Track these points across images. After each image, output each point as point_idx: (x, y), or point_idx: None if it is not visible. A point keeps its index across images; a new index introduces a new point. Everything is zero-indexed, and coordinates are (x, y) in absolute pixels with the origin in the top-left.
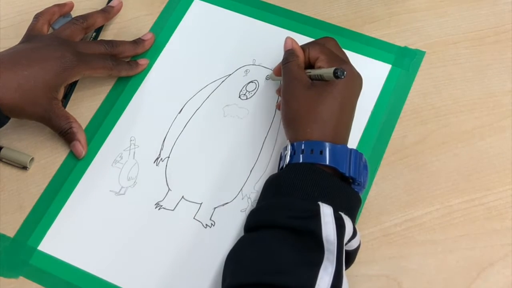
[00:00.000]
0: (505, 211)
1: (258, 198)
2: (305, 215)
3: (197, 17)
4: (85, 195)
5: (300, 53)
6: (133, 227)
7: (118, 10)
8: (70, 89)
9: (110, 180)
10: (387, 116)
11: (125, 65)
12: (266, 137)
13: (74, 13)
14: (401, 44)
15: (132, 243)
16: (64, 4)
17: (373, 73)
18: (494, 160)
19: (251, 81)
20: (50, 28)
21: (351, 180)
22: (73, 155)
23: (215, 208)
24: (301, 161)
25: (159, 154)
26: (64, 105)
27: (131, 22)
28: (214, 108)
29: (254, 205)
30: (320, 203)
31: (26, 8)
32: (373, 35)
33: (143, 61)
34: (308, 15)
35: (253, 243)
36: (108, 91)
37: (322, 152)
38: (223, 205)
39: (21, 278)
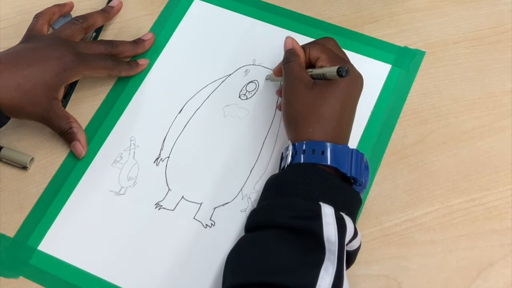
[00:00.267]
0: (505, 211)
1: (258, 198)
2: (306, 215)
3: (197, 17)
4: (85, 195)
5: (300, 52)
6: (133, 227)
7: (118, 10)
8: (70, 89)
9: (110, 180)
10: (387, 116)
11: (125, 65)
12: (266, 137)
13: (74, 13)
14: (401, 44)
15: (132, 243)
16: (64, 4)
17: (373, 73)
18: (494, 160)
19: (251, 81)
20: (50, 28)
21: (352, 181)
22: (73, 155)
23: (215, 208)
24: (302, 161)
25: (159, 154)
26: (64, 105)
27: (131, 22)
28: (214, 108)
29: (254, 205)
30: (321, 203)
31: (26, 8)
32: (373, 35)
33: (143, 61)
34: (308, 15)
35: (253, 243)
36: (108, 91)
37: (323, 153)
38: (223, 205)
39: (21, 278)
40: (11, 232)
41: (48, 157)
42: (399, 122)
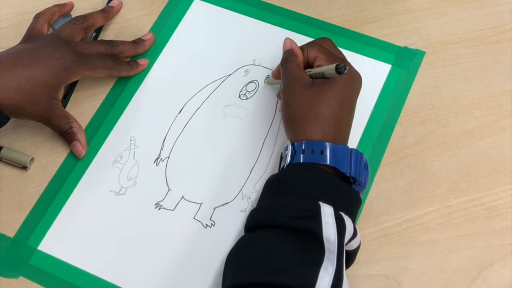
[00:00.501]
0: (505, 211)
1: (258, 198)
2: (305, 215)
3: (197, 17)
4: (85, 195)
5: (299, 52)
6: (133, 227)
7: (118, 10)
8: (70, 89)
9: (110, 180)
10: (387, 116)
11: (125, 65)
12: (266, 137)
13: (74, 13)
14: (401, 44)
15: (132, 243)
16: (64, 4)
17: (373, 73)
18: (494, 160)
19: (251, 81)
20: (50, 28)
21: (351, 180)
22: (73, 155)
23: (215, 208)
24: (302, 161)
25: (159, 154)
26: (64, 105)
27: (131, 22)
28: (214, 108)
29: (254, 205)
30: (320, 203)
31: (26, 8)
32: (373, 35)
33: (143, 61)
34: (308, 15)
35: (253, 243)
36: (108, 91)
37: (323, 152)
38: (223, 205)
39: (21, 278)
40: (11, 232)
41: (48, 157)
42: (399, 122)
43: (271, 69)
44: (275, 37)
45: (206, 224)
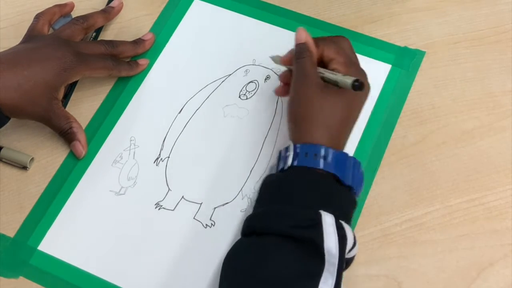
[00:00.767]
0: (505, 211)
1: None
2: (306, 224)
3: (197, 17)
4: (85, 195)
5: (313, 48)
6: (133, 227)
7: (119, 11)
8: (70, 89)
9: (110, 180)
10: (387, 116)
11: (125, 65)
12: (266, 137)
13: (75, 13)
14: (401, 44)
15: (132, 243)
16: (64, 5)
17: (373, 73)
18: (494, 160)
19: (251, 81)
20: (51, 28)
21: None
22: (73, 155)
23: (215, 208)
24: (303, 164)
25: (159, 154)
26: (64, 105)
27: (131, 22)
28: (214, 108)
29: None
30: (321, 211)
31: (26, 8)
32: (373, 35)
33: (143, 61)
34: (308, 15)
35: (251, 249)
36: (108, 91)
37: (325, 158)
38: (223, 205)
39: (21, 278)
40: (11, 232)
41: (48, 157)
42: (399, 122)
43: (271, 69)
44: (275, 37)
45: (206, 224)
